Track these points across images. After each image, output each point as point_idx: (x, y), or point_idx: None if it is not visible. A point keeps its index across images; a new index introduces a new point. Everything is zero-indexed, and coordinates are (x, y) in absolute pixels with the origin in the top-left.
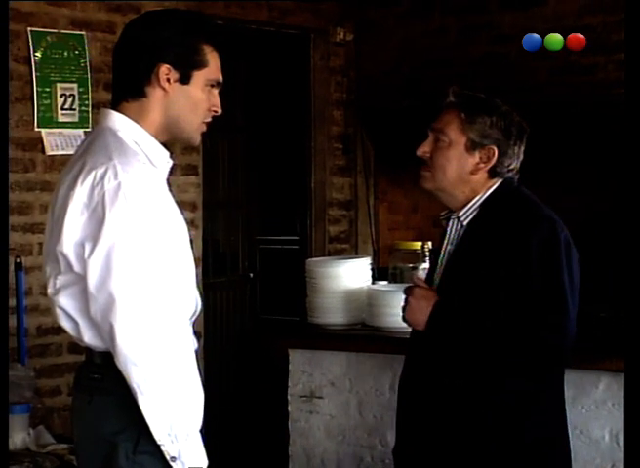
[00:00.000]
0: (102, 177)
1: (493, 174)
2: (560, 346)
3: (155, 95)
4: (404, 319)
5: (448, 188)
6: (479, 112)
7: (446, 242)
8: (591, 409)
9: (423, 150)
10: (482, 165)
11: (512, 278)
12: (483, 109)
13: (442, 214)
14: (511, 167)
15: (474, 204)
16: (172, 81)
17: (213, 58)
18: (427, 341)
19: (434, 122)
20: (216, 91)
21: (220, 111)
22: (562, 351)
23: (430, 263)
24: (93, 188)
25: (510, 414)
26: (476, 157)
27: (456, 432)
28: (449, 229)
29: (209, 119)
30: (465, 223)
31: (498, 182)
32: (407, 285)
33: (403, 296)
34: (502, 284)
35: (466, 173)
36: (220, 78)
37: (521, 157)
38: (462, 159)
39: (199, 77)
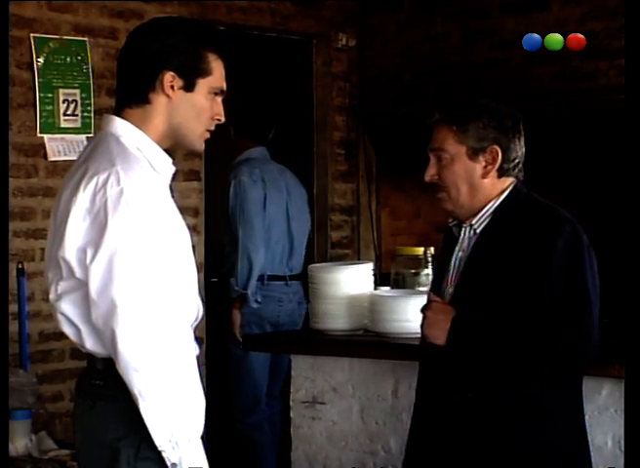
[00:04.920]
0: (105, 183)
1: (501, 172)
2: (586, 349)
3: (159, 101)
4: (423, 334)
5: (466, 202)
6: (469, 119)
7: (457, 249)
8: (594, 415)
9: (430, 174)
10: (490, 167)
11: (535, 281)
12: (472, 115)
13: (451, 220)
14: (516, 160)
15: (487, 210)
16: (176, 88)
17: (217, 67)
18: (447, 355)
19: (430, 143)
20: (219, 99)
21: (223, 119)
22: (587, 354)
23: (435, 271)
24: (95, 194)
25: (529, 425)
26: (482, 161)
27: (475, 446)
28: (461, 236)
29: (212, 127)
30: (478, 231)
31: (509, 186)
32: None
33: (420, 314)
34: (525, 287)
35: (477, 179)
36: (225, 86)
37: (523, 149)
38: (469, 168)
39: (203, 85)
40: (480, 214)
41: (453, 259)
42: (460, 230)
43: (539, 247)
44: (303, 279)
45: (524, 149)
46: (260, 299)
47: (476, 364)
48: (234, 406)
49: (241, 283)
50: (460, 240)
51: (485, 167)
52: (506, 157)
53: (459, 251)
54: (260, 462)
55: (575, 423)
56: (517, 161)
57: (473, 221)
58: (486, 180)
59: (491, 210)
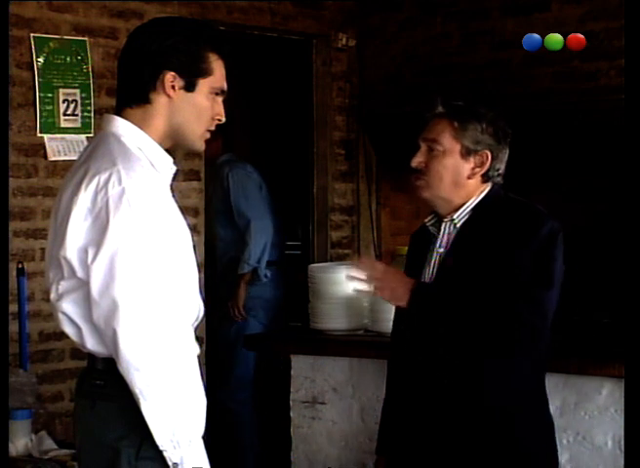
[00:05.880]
0: (106, 183)
1: (485, 178)
2: (534, 322)
3: (160, 101)
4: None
5: (446, 194)
6: (470, 120)
7: (437, 245)
8: (594, 415)
9: (418, 161)
10: (477, 169)
11: (511, 263)
12: (473, 117)
13: (427, 219)
14: (500, 171)
15: (467, 207)
16: (177, 88)
17: (218, 67)
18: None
19: (425, 133)
20: (220, 99)
21: (223, 119)
22: (535, 328)
23: (409, 267)
24: (96, 194)
25: (503, 413)
26: (471, 162)
27: (451, 430)
28: (441, 232)
29: (213, 127)
30: (459, 225)
31: (488, 187)
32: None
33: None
34: (500, 269)
35: (463, 178)
36: (225, 87)
37: (506, 160)
38: (459, 165)
39: (204, 85)
40: (461, 210)
41: (432, 256)
42: (439, 228)
43: (521, 235)
44: (278, 265)
45: (506, 161)
46: (268, 275)
47: (437, 325)
48: (226, 386)
49: (255, 256)
50: (440, 236)
51: (473, 168)
52: (493, 165)
53: (438, 247)
54: (245, 440)
55: (545, 415)
56: (501, 171)
57: (454, 216)
58: (470, 181)
59: (471, 206)
